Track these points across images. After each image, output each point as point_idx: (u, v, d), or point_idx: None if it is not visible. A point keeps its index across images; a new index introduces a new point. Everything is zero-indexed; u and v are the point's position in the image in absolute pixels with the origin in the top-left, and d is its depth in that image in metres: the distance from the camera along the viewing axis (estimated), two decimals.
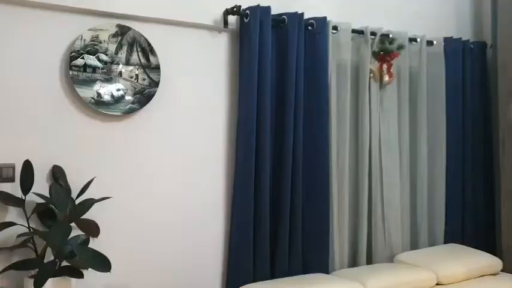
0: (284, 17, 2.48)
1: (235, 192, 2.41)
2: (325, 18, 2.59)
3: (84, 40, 2.05)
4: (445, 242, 3.08)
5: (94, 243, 2.00)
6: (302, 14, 2.52)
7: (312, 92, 2.58)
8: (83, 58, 2.04)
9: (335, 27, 2.69)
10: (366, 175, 2.81)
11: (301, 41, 2.51)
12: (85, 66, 2.05)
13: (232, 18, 2.41)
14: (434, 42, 3.11)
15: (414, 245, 3.03)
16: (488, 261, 2.81)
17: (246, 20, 2.37)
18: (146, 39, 2.19)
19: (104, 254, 1.87)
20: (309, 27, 2.58)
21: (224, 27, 2.39)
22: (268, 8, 2.41)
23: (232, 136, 2.44)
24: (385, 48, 2.83)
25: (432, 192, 3.12)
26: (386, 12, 2.99)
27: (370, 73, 2.82)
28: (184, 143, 2.33)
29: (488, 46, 3.33)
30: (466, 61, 3.22)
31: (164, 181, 2.28)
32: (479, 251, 2.89)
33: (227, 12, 2.37)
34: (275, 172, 2.48)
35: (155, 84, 2.21)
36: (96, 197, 1.99)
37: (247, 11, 2.36)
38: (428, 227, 3.08)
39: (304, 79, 2.55)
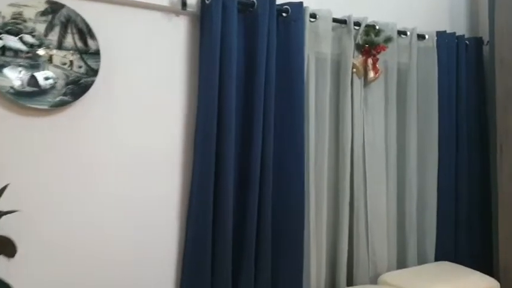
0: (253, 0, 2.14)
1: (190, 211, 2.05)
2: (301, 3, 2.25)
3: (3, 17, 1.70)
4: (436, 260, 2.75)
5: (10, 264, 1.64)
6: None
7: (286, 88, 2.23)
8: (1, 39, 1.69)
9: (313, 15, 2.35)
10: (347, 183, 2.47)
11: (273, 29, 2.16)
12: (3, 48, 1.69)
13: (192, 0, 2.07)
14: (427, 36, 2.79)
15: (401, 263, 2.69)
16: (484, 282, 2.48)
17: (207, 2, 2.03)
18: (84, 20, 1.84)
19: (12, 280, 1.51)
20: (283, 14, 2.24)
21: (182, 9, 2.05)
22: None
23: (191, 138, 2.09)
24: (370, 41, 2.50)
25: (422, 203, 2.79)
26: (373, 2, 2.68)
27: (353, 68, 2.49)
28: (127, 144, 1.96)
29: (485, 43, 3.02)
30: (460, 58, 2.90)
31: (100, 190, 1.91)
32: (474, 270, 2.57)
33: None
34: (240, 181, 2.13)
35: (93, 72, 1.85)
36: (11, 209, 1.63)
37: None
38: (418, 242, 2.75)
39: (277, 73, 2.21)
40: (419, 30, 2.76)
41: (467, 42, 2.97)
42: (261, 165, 2.15)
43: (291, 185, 2.26)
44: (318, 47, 2.40)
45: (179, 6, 2.04)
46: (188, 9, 2.06)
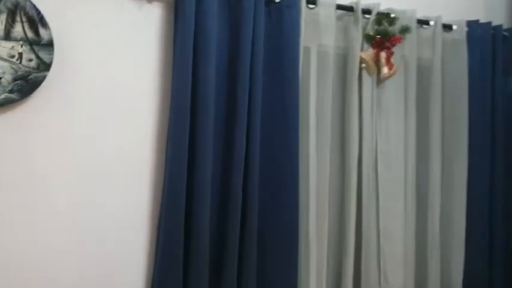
0: None
1: (160, 229, 1.78)
2: None
3: None
4: None
5: None
6: None
7: (277, 86, 1.92)
8: None
9: (312, 1, 2.02)
10: (353, 197, 2.11)
11: (260, 17, 1.85)
12: None
13: None
14: (454, 26, 2.39)
15: None
16: None
17: None
18: (34, 6, 1.61)
19: None
20: (276, 0, 1.94)
21: None
22: None
23: (162, 140, 1.82)
24: (383, 31, 2.12)
25: (447, 222, 2.36)
26: None
27: (361, 63, 2.13)
28: (84, 150, 1.71)
29: None
30: (497, 52, 2.46)
31: (53, 201, 1.66)
32: None
33: None
34: (220, 191, 1.84)
35: (45, 67, 1.62)
36: None
37: None
38: (441, 269, 2.32)
39: (266, 68, 1.90)
40: (446, 20, 2.36)
41: (505, 33, 2.53)
42: (245, 173, 1.84)
43: (282, 197, 1.94)
44: (318, 39, 2.07)
45: None
46: None
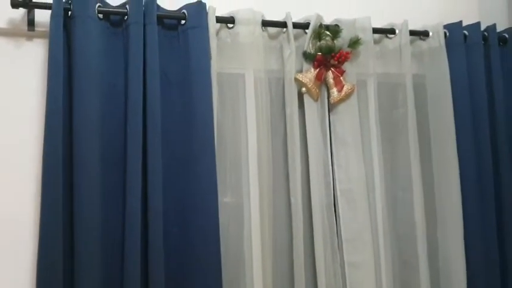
0: (127, 7, 1.56)
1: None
2: (199, 2, 1.60)
3: None
4: None
5: None
6: None
7: (184, 124, 1.59)
8: None
9: (229, 20, 1.69)
10: (300, 253, 1.70)
11: (153, 44, 1.53)
12: None
13: (43, 15, 1.54)
14: (431, 32, 1.94)
15: None
16: None
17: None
18: None
19: None
20: (182, 21, 1.62)
21: (29, 29, 1.55)
22: None
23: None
24: (326, 47, 1.74)
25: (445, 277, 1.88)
26: None
27: (301, 87, 1.76)
28: None
29: None
30: (493, 58, 1.98)
31: None
32: None
33: (27, 3, 1.50)
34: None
35: None
36: None
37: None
38: None
39: (169, 104, 1.57)
40: (421, 25, 1.93)
41: (506, 35, 2.04)
42: (145, 241, 1.50)
43: (200, 257, 1.56)
44: (252, 63, 1.72)
45: (25, 27, 1.55)
46: (41, 28, 1.56)
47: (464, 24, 1.95)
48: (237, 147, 1.74)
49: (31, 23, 1.54)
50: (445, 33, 1.93)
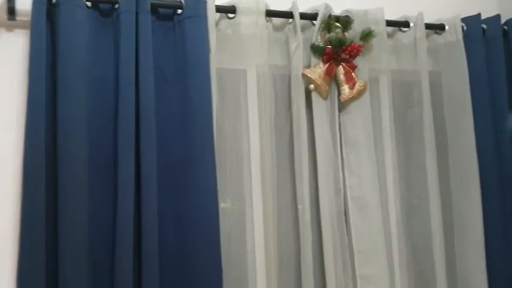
0: None
1: None
2: None
3: None
4: None
5: None
6: None
7: (183, 125, 1.44)
8: None
9: (230, 9, 1.54)
10: (309, 266, 1.54)
11: (146, 34, 1.38)
12: None
13: (25, 2, 1.40)
14: (447, 26, 1.81)
15: None
16: None
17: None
18: None
19: None
20: (178, 10, 1.47)
21: (9, 19, 1.40)
22: None
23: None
24: (335, 39, 1.60)
25: None
26: None
27: (309, 84, 1.61)
28: None
29: None
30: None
31: None
32: None
33: None
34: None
35: None
36: None
37: None
38: None
39: (164, 100, 1.42)
40: (436, 18, 1.79)
41: None
42: (138, 248, 1.35)
43: (198, 271, 1.41)
44: (254, 58, 1.57)
45: (5, 15, 1.40)
46: (22, 17, 1.41)
47: (482, 17, 1.82)
48: (239, 150, 1.60)
49: (11, 11, 1.39)
50: (462, 27, 1.79)
